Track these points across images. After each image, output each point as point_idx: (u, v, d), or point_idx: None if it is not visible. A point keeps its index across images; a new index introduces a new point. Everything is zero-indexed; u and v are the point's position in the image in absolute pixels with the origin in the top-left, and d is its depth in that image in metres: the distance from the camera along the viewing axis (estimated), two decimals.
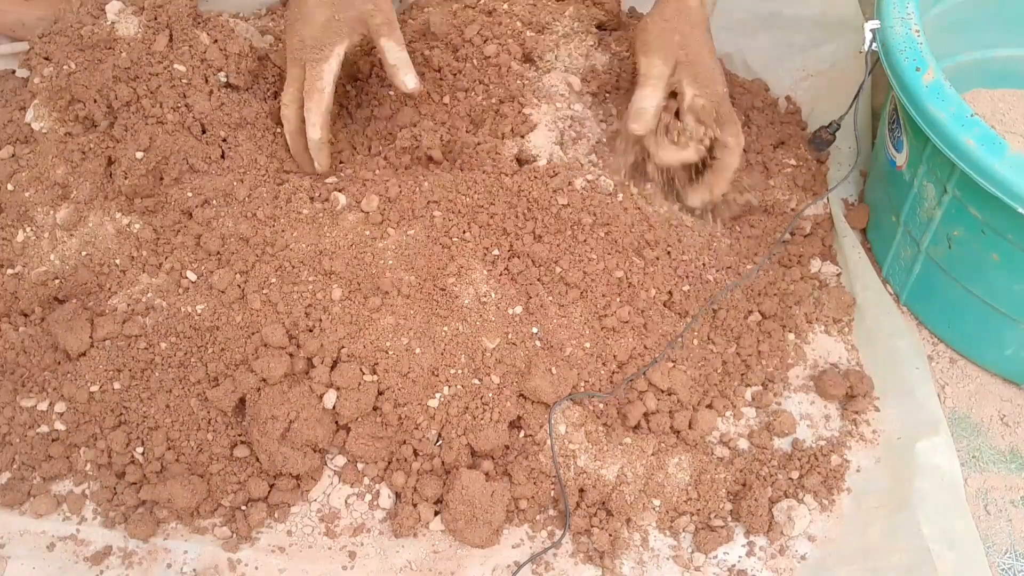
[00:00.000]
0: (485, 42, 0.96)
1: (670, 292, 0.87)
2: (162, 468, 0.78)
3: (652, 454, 0.81)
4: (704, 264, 0.89)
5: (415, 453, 0.79)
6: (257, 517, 0.76)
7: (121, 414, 0.79)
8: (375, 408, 0.79)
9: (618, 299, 0.84)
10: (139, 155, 0.85)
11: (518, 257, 0.84)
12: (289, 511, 0.78)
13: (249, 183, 0.87)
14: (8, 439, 0.79)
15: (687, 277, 0.88)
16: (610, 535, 0.77)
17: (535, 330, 0.82)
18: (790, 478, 0.81)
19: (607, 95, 0.98)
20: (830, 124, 1.01)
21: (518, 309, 0.82)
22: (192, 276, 0.83)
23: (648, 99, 0.86)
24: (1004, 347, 0.87)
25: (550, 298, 0.83)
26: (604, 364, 0.83)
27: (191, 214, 0.86)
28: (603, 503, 0.78)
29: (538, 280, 0.84)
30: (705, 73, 0.87)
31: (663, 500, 0.79)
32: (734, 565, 0.77)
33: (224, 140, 0.89)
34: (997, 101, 1.02)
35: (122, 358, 0.81)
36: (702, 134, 0.87)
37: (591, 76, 0.98)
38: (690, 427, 0.82)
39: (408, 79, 0.86)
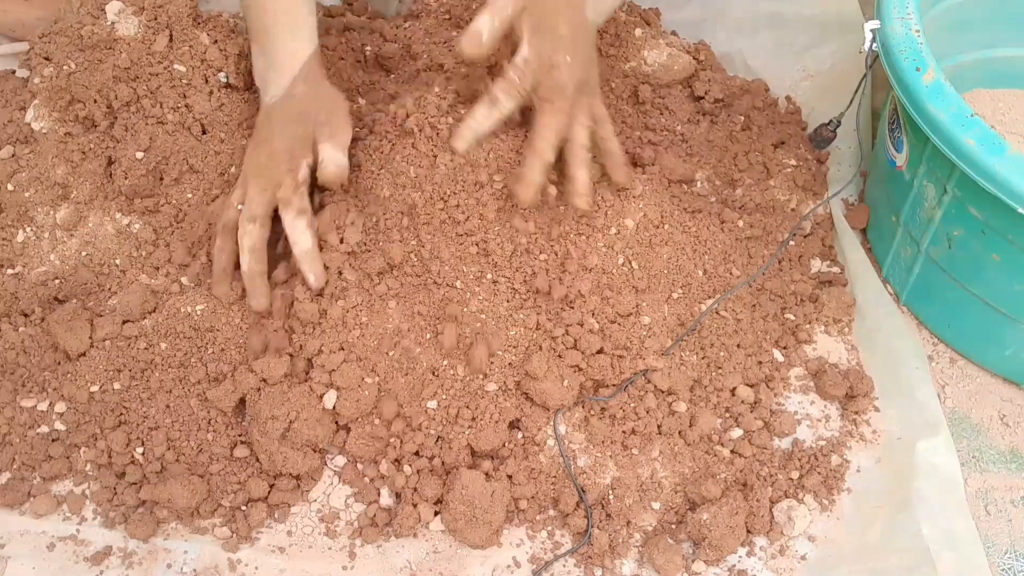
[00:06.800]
0: None
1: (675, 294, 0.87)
2: (162, 468, 0.78)
3: (652, 455, 0.81)
4: (705, 268, 0.89)
5: (415, 453, 0.79)
6: (257, 517, 0.76)
7: (121, 414, 0.79)
8: (375, 408, 0.79)
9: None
10: (139, 155, 0.85)
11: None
12: (289, 511, 0.78)
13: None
14: (8, 439, 0.79)
15: (691, 280, 0.88)
16: (610, 536, 0.77)
17: (521, 316, 0.81)
18: (790, 478, 0.81)
19: None
20: (830, 121, 1.00)
21: (522, 314, 0.82)
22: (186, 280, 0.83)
23: (483, 21, 0.77)
24: (1004, 347, 0.87)
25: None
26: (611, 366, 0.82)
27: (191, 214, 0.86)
28: (603, 505, 0.78)
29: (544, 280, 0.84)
30: (545, 26, 0.78)
31: (663, 501, 0.79)
32: (734, 565, 0.76)
33: (224, 140, 0.89)
34: (997, 101, 1.02)
35: (122, 358, 0.81)
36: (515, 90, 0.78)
37: None
38: (690, 427, 0.82)
39: (338, 177, 0.81)
